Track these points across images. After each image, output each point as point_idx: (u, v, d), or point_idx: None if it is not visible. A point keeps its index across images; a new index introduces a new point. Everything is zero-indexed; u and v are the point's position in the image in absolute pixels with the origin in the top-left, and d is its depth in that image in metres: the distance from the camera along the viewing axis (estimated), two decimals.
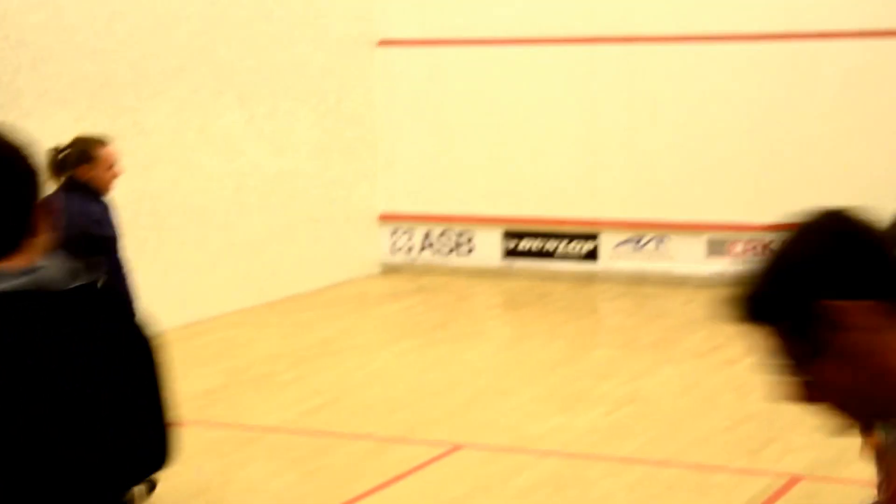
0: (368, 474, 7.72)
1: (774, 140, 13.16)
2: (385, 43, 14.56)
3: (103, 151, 7.00)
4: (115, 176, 7.04)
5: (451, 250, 14.65)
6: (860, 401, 2.05)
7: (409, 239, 14.77)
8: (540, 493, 7.39)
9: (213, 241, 12.54)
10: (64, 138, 10.57)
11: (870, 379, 2.03)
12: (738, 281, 2.15)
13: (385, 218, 14.78)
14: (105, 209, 7.06)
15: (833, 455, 7.87)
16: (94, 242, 6.72)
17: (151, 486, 7.17)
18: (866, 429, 2.13)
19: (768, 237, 2.22)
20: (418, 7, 14.47)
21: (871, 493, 7.06)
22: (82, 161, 6.93)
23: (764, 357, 2.12)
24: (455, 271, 14.52)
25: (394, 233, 14.81)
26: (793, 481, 7.44)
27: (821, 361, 2.04)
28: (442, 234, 14.65)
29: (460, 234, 14.58)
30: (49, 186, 6.76)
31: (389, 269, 14.78)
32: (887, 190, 12.75)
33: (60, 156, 6.93)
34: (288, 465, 7.98)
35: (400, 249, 14.82)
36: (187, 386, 9.82)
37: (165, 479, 7.35)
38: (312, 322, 12.30)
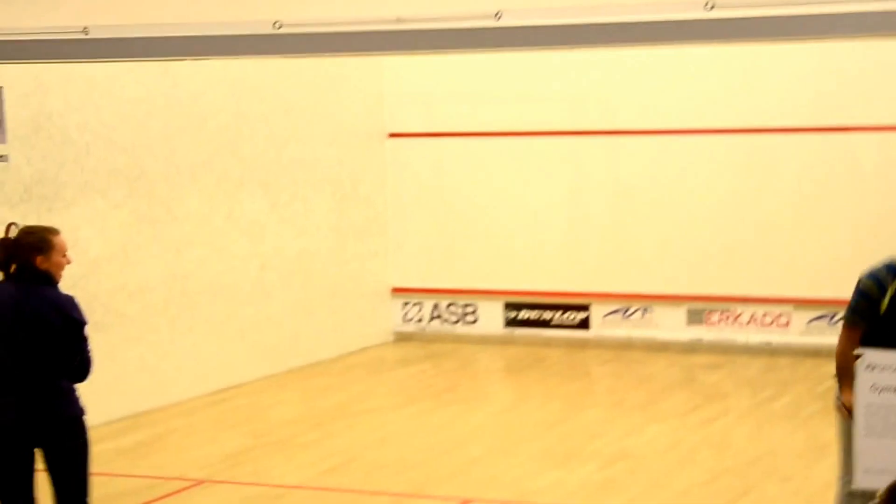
0: None
1: (744, 221, 13.37)
2: (394, 135, 14.71)
3: (57, 240, 6.35)
4: (67, 263, 6.38)
5: (457, 320, 14.71)
6: None
7: (419, 310, 14.83)
8: None
9: (239, 315, 12.61)
10: (103, 225, 10.78)
11: None
12: None
13: (397, 291, 14.86)
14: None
15: None
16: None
17: None
18: None
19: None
20: (423, 103, 14.64)
21: None
22: (38, 250, 6.27)
23: None
24: (461, 339, 14.57)
25: (405, 305, 14.87)
26: None
27: None
28: (449, 306, 14.72)
29: (466, 306, 14.65)
30: None
31: (401, 338, 14.83)
32: (844, 266, 12.91)
33: (14, 245, 6.29)
34: None
35: (411, 320, 14.88)
36: (216, 448, 9.89)
37: None
38: (330, 387, 12.32)
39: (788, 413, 10.70)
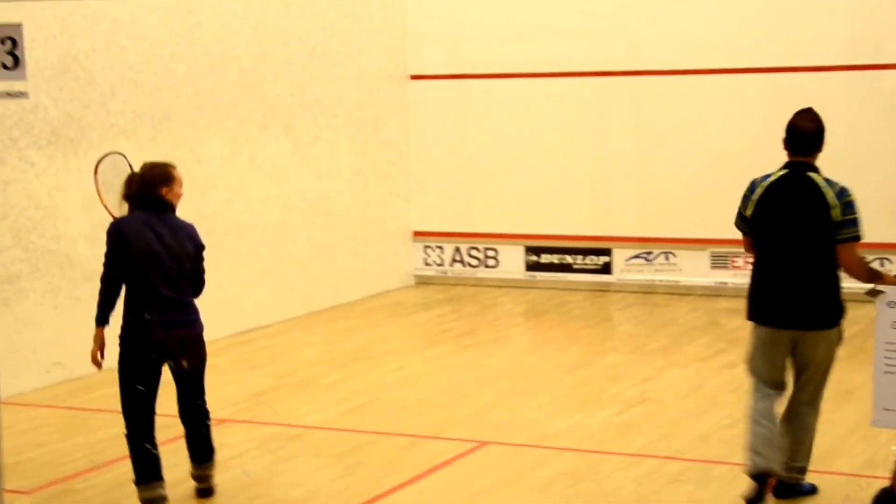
0: (403, 468, 7.72)
1: (771, 164, 13.13)
2: (416, 77, 14.61)
3: (176, 173, 7.05)
4: (181, 195, 7.11)
5: (478, 264, 14.66)
6: None
7: (441, 254, 14.79)
8: (557, 485, 7.38)
9: (262, 257, 12.60)
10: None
11: None
12: None
13: (418, 235, 14.82)
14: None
15: (824, 450, 7.86)
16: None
17: (209, 490, 7.23)
18: None
19: None
20: (446, 45, 14.51)
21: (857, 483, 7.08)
22: (164, 182, 6.95)
23: None
24: (482, 283, 14.54)
25: (426, 248, 14.83)
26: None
27: None
28: (470, 250, 14.67)
29: (487, 250, 14.60)
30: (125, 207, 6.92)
31: (422, 282, 14.81)
32: (869, 209, 12.76)
33: (143, 178, 6.99)
34: (330, 459, 7.99)
35: (432, 263, 14.84)
36: (239, 388, 9.90)
37: (220, 472, 7.43)
38: (351, 330, 12.32)
39: None
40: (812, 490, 7.03)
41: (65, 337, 10.11)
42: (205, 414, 7.22)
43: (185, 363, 6.99)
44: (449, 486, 7.42)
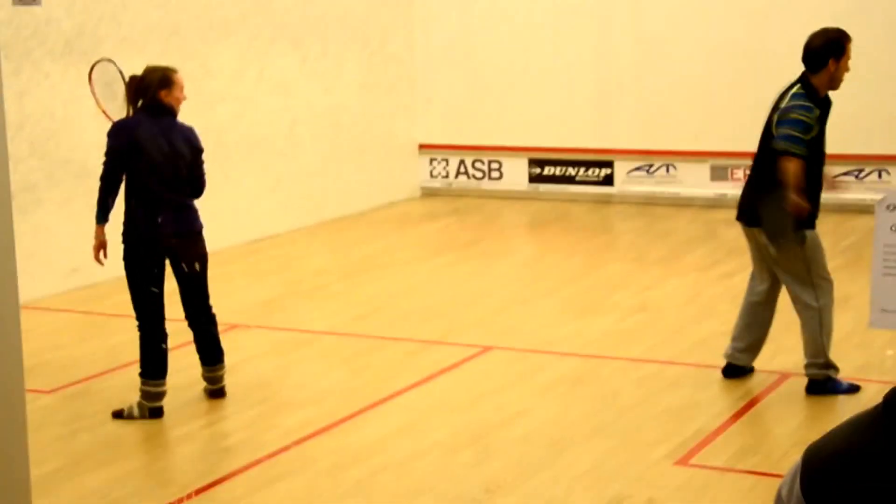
0: (409, 372, 7.81)
1: (772, 77, 13.05)
2: None
3: (177, 77, 7.08)
4: (184, 99, 7.15)
5: (482, 176, 14.68)
6: None
7: (446, 166, 14.80)
8: (559, 388, 7.48)
9: (271, 169, 12.63)
10: None
11: None
12: None
13: (424, 147, 14.82)
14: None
15: None
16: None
17: (220, 391, 7.34)
18: None
19: None
20: None
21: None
22: (163, 85, 6.99)
23: None
24: (486, 194, 14.57)
25: (432, 160, 14.85)
26: (782, 378, 7.46)
27: None
28: (475, 162, 14.68)
29: (491, 162, 14.61)
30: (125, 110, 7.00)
31: (428, 193, 14.84)
32: (880, 119, 12.73)
33: (142, 82, 7.02)
34: (338, 363, 8.09)
35: (437, 176, 14.86)
36: (250, 295, 9.99)
37: (232, 375, 7.54)
38: (359, 240, 12.37)
39: None
40: (849, 389, 7.13)
41: (81, 244, 10.14)
42: (211, 315, 7.29)
43: (184, 264, 7.09)
44: (454, 389, 7.52)
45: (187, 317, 7.26)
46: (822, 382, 7.11)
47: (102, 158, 6.98)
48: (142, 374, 7.08)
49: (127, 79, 7.13)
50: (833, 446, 1.79)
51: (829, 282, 7.11)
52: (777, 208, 6.80)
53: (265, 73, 12.44)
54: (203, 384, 7.39)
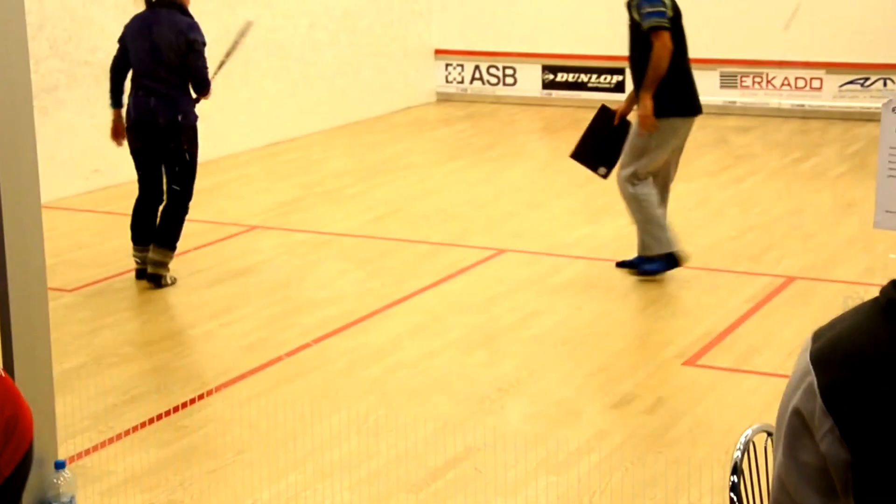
0: (425, 273, 7.79)
1: None
2: None
3: None
4: None
5: (497, 82, 14.55)
6: None
7: (461, 72, 14.67)
8: (571, 289, 7.46)
9: (289, 72, 12.50)
10: None
11: None
12: None
13: (440, 53, 14.67)
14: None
15: (824, 259, 7.92)
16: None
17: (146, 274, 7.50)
18: None
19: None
20: None
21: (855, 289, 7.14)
22: None
23: None
24: (500, 100, 14.45)
25: (447, 66, 14.71)
26: (788, 281, 7.45)
27: None
28: (489, 68, 14.54)
29: (505, 68, 14.47)
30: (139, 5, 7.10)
31: (443, 98, 14.72)
32: (878, 30, 12.55)
33: None
34: (356, 264, 8.06)
35: (452, 81, 14.73)
36: (269, 197, 9.94)
37: (251, 275, 7.52)
38: (375, 144, 12.30)
39: (816, 173, 10.56)
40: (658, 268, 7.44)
41: (102, 146, 10.07)
42: (176, 199, 7.38)
43: (162, 147, 7.30)
44: (469, 290, 7.50)
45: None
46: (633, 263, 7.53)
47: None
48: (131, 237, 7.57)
49: None
50: (845, 349, 1.70)
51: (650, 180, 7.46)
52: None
53: None
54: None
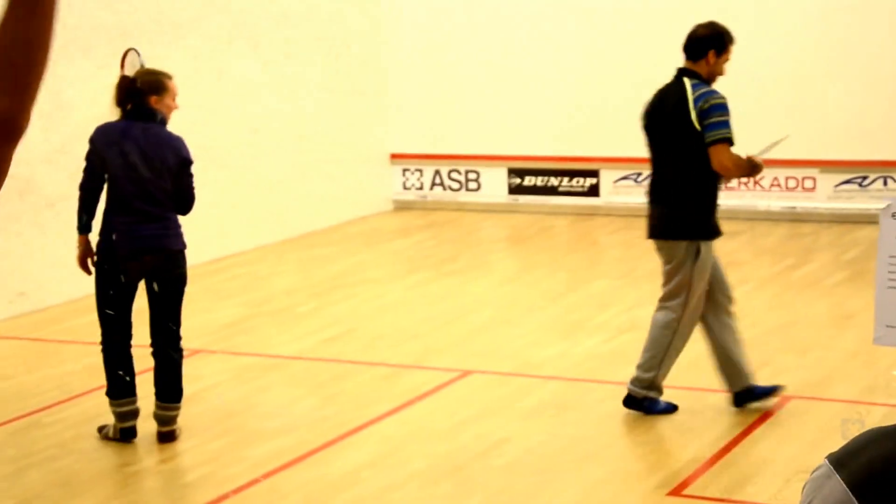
0: (384, 398, 7.84)
1: (768, 79, 13.17)
2: None
3: (171, 84, 7.14)
4: (175, 108, 7.20)
5: (459, 187, 14.73)
6: None
7: (420, 177, 14.84)
8: (543, 414, 7.51)
9: (232, 182, 12.63)
10: (88, 84, 10.75)
11: None
12: None
13: (396, 157, 14.86)
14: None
15: (821, 376, 8.02)
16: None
17: (171, 434, 7.25)
18: None
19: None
20: None
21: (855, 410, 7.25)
22: (154, 90, 7.04)
23: None
24: (463, 207, 14.61)
25: (405, 171, 14.88)
26: (783, 400, 7.53)
27: None
28: (451, 172, 14.72)
29: (468, 172, 14.65)
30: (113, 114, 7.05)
31: (401, 206, 14.88)
32: (876, 126, 12.83)
33: (132, 85, 7.07)
34: (308, 390, 8.11)
35: (411, 187, 14.89)
36: (213, 318, 10.01)
37: (193, 404, 7.55)
38: (328, 257, 12.39)
39: (811, 282, 10.70)
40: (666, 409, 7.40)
41: (27, 266, 10.19)
42: (175, 342, 7.19)
43: (155, 283, 7.06)
44: (432, 416, 7.55)
45: (151, 340, 7.19)
46: (640, 401, 7.34)
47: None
48: (106, 393, 7.17)
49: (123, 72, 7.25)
50: (881, 463, 1.82)
51: (699, 308, 7.32)
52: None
53: (223, 79, 12.45)
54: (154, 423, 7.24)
